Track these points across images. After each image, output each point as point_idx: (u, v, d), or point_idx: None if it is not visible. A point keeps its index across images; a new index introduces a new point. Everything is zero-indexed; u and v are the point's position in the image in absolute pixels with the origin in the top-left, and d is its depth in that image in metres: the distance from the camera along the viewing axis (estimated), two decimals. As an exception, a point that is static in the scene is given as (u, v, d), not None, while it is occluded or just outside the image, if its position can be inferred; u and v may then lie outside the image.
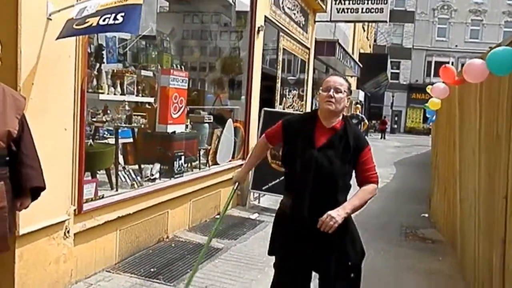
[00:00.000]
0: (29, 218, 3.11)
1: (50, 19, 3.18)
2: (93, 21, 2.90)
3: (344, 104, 2.59)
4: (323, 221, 2.37)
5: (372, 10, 11.03)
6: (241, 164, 7.27)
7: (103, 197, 4.14)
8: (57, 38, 3.10)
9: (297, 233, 2.54)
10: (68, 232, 3.59)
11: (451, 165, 5.56)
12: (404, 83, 40.13)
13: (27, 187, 2.57)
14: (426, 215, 7.59)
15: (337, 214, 2.38)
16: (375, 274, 4.65)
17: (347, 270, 2.56)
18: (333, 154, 2.51)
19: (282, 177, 2.86)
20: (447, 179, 5.95)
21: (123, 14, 2.82)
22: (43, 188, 2.66)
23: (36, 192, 2.67)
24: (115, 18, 2.83)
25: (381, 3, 10.88)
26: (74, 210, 3.66)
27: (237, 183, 2.98)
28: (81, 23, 2.97)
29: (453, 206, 5.36)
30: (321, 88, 2.64)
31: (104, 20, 2.85)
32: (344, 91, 2.58)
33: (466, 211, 4.46)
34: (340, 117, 2.63)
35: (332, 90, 2.55)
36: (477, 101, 3.97)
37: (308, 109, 11.09)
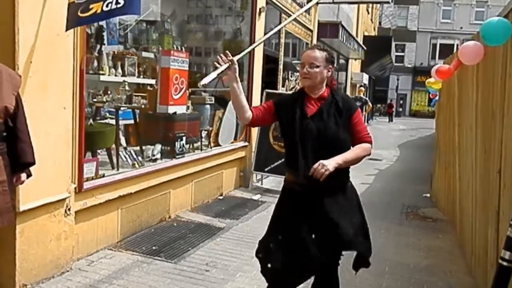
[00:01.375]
0: (29, 195, 3.17)
1: (48, -3, 3.19)
2: (97, 7, 2.93)
3: (322, 76, 2.62)
4: (315, 168, 2.44)
5: (375, -9, 10.94)
6: (244, 146, 7.33)
7: (103, 176, 4.18)
8: (67, 30, 3.17)
9: (306, 204, 2.58)
10: (69, 209, 3.64)
11: (451, 143, 5.58)
12: (409, 66, 39.84)
13: (21, 162, 2.63)
14: (428, 195, 7.64)
15: (329, 163, 2.44)
16: (376, 251, 4.67)
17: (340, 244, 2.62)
18: (326, 120, 2.58)
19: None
20: (447, 158, 5.97)
21: None
22: (34, 164, 2.72)
23: (26, 167, 2.72)
24: (117, 2, 2.85)
25: (384, -16, 10.78)
26: (75, 188, 3.71)
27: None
28: (85, 9, 2.99)
29: (452, 184, 5.40)
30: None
31: (107, 6, 2.88)
32: (319, 64, 2.60)
33: (465, 188, 4.50)
34: (324, 86, 2.68)
35: (306, 66, 2.60)
36: (474, 78, 3.98)
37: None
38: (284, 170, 2.80)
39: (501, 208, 2.86)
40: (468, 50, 3.39)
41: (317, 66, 2.59)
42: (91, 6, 2.98)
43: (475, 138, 3.93)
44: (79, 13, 3.03)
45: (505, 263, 1.86)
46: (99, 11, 2.93)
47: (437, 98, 7.15)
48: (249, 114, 2.64)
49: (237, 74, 2.59)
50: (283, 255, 2.56)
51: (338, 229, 2.53)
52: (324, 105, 2.62)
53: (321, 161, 2.45)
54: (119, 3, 2.86)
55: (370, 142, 2.66)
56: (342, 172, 2.56)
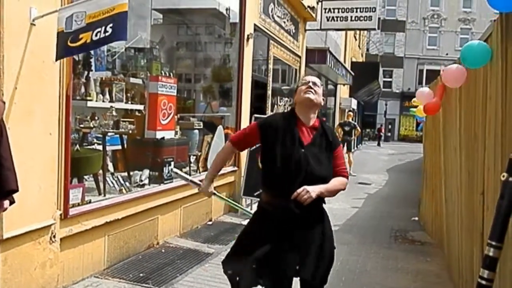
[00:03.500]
0: (13, 222, 3.12)
1: (34, 25, 3.22)
2: (86, 37, 2.95)
3: (321, 100, 2.70)
4: (298, 193, 2.45)
5: (361, 18, 11.18)
6: (233, 170, 7.33)
7: (90, 202, 4.14)
8: (56, 59, 3.21)
9: (284, 229, 2.57)
10: (54, 236, 3.60)
11: (437, 166, 5.63)
12: (397, 91, 40.45)
13: (5, 189, 2.59)
14: (416, 218, 7.65)
15: (312, 190, 2.47)
16: (365, 274, 4.70)
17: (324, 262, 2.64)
18: (318, 151, 2.61)
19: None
20: (434, 181, 6.02)
21: (111, 25, 2.88)
22: (17, 191, 2.68)
23: (9, 194, 2.68)
24: (105, 31, 2.88)
25: (370, 11, 11.03)
26: (60, 215, 3.67)
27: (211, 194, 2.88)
28: (74, 39, 3.01)
29: (439, 208, 5.43)
30: (297, 87, 2.73)
31: (96, 35, 2.91)
32: (320, 86, 2.71)
33: (451, 211, 4.53)
34: (316, 115, 2.73)
35: (310, 83, 2.67)
36: (457, 101, 4.06)
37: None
38: (265, 192, 2.73)
39: (485, 229, 2.87)
40: (450, 73, 3.47)
41: (319, 87, 2.69)
42: (80, 36, 3.00)
43: (459, 161, 3.98)
44: (69, 43, 3.04)
45: (484, 282, 1.87)
46: (88, 40, 2.95)
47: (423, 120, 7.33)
48: (231, 151, 2.88)
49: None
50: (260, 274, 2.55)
51: (303, 263, 2.55)
52: (317, 136, 2.65)
53: (305, 186, 2.47)
54: (107, 32, 2.88)
55: (347, 177, 2.73)
56: (321, 200, 2.60)
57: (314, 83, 2.67)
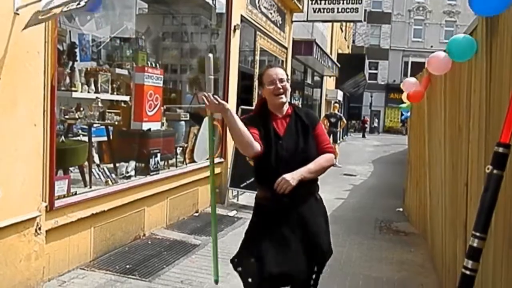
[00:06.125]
0: (-2, 214, 3.09)
1: (18, 14, 3.17)
2: (57, 10, 2.98)
3: (289, 89, 2.69)
4: (278, 183, 2.47)
5: (347, 10, 11.21)
6: (220, 162, 7.33)
7: (75, 193, 4.11)
8: (24, 29, 3.13)
9: (279, 220, 2.61)
10: (40, 228, 3.57)
11: (422, 158, 5.70)
12: (382, 83, 40.74)
13: None
14: (401, 209, 7.75)
15: (292, 177, 2.47)
16: (350, 265, 4.76)
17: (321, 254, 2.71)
18: (295, 137, 2.63)
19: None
20: (418, 173, 6.10)
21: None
22: None
23: None
24: (78, 4, 2.88)
25: (356, 3, 11.07)
26: (46, 207, 3.64)
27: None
28: (45, 13, 3.03)
29: (424, 199, 5.50)
30: (263, 82, 2.69)
31: (67, 7, 2.92)
32: (287, 79, 2.69)
33: (435, 202, 4.59)
34: (288, 103, 2.73)
35: (277, 82, 2.63)
36: (442, 93, 4.10)
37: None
38: (258, 187, 2.77)
39: (468, 221, 2.93)
40: (436, 60, 3.50)
41: (286, 81, 2.66)
42: (52, 10, 3.03)
43: (443, 153, 4.03)
44: (39, 17, 3.06)
45: (468, 272, 1.90)
46: (58, 12, 2.99)
47: (408, 114, 7.38)
48: (256, 144, 2.48)
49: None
50: (268, 267, 2.54)
51: (317, 239, 2.65)
52: (291, 123, 2.67)
53: (284, 175, 2.48)
54: (80, 4, 2.88)
55: (333, 153, 2.73)
56: (310, 182, 2.60)
57: (281, 80, 2.63)
